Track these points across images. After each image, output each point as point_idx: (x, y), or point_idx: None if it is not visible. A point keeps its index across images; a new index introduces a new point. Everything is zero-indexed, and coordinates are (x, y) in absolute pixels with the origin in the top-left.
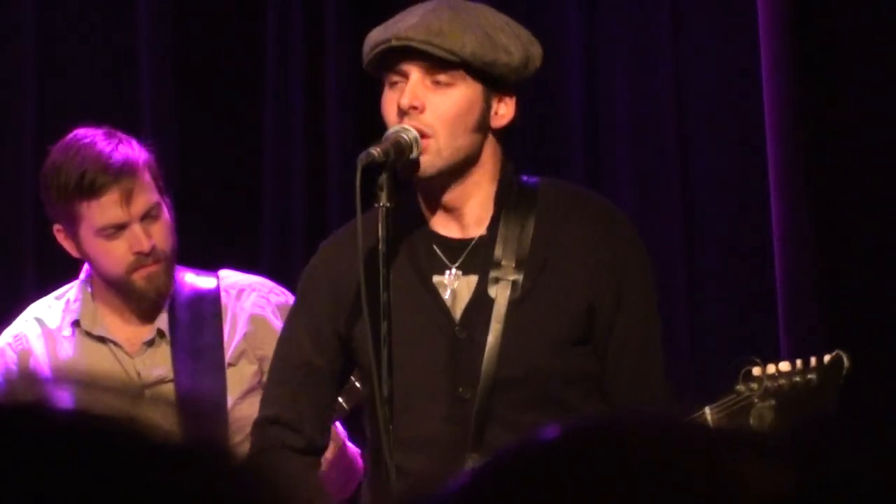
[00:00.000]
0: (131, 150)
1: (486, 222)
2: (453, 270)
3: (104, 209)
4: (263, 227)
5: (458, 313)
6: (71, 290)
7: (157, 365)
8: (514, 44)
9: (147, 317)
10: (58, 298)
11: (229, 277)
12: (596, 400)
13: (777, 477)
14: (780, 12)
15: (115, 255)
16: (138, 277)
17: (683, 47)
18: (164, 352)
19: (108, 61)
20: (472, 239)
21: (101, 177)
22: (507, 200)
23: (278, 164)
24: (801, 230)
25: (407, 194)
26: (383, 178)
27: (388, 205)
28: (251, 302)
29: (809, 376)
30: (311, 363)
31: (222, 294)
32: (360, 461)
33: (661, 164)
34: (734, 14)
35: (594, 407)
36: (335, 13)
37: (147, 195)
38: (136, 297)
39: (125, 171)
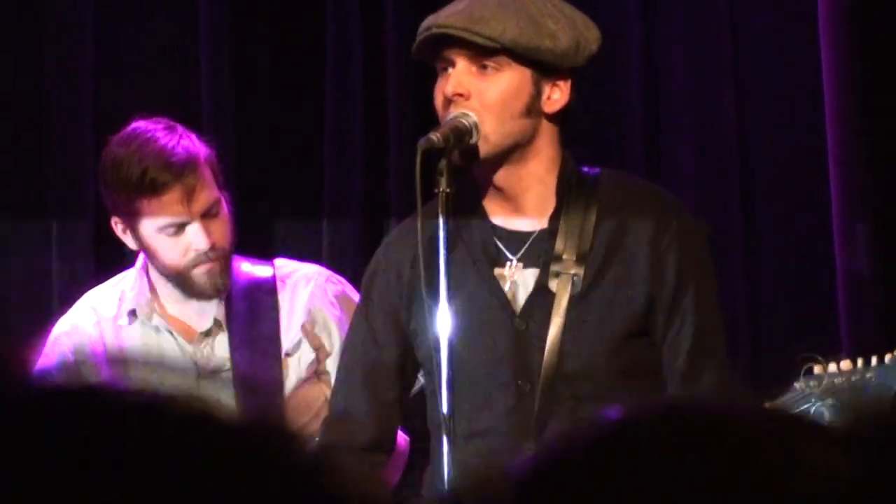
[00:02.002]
0: (192, 145)
1: (547, 214)
2: (514, 262)
3: (165, 207)
4: (322, 216)
5: (518, 306)
6: (126, 279)
7: (215, 355)
8: (562, 29)
9: (204, 306)
10: (114, 286)
11: (285, 266)
12: (656, 392)
13: (841, 461)
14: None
15: (176, 252)
16: (198, 274)
17: (742, 37)
18: (221, 342)
19: (166, 54)
20: (531, 232)
21: (163, 174)
22: (569, 192)
23: (338, 151)
24: (861, 226)
25: (466, 184)
26: (443, 164)
27: (448, 190)
28: (308, 291)
29: (868, 375)
30: (378, 359)
31: (278, 283)
32: (404, 447)
33: (720, 158)
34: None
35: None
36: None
37: (208, 192)
38: (195, 292)
39: (187, 169)
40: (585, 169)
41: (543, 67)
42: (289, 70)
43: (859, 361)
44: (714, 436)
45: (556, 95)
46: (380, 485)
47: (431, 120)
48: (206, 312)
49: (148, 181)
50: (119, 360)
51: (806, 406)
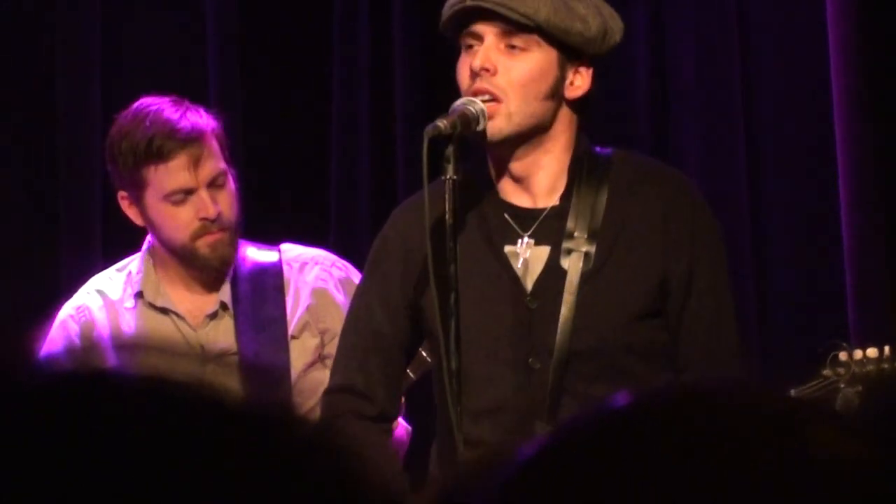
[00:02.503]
0: (199, 118)
1: (559, 192)
2: (525, 239)
3: (172, 174)
4: (330, 200)
5: (529, 283)
6: (133, 262)
7: (221, 338)
8: (592, 15)
9: (210, 288)
10: (119, 270)
11: (291, 251)
12: (667, 373)
13: (850, 443)
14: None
15: (181, 221)
16: (202, 245)
17: (750, 31)
18: (227, 325)
19: (174, 36)
20: (543, 209)
21: (169, 142)
22: (581, 171)
23: (345, 136)
24: (870, 214)
25: (478, 163)
26: (450, 151)
27: (455, 177)
28: (314, 275)
29: None
30: (381, 332)
31: (285, 267)
32: (405, 435)
33: (727, 143)
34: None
35: (665, 380)
36: None
37: (214, 162)
38: (200, 265)
39: (193, 137)
40: (598, 149)
41: (570, 52)
42: (295, 61)
43: (886, 349)
44: (723, 423)
45: (579, 82)
46: (385, 453)
47: (438, 106)
48: (213, 295)
49: (154, 148)
50: (126, 344)
51: (834, 392)
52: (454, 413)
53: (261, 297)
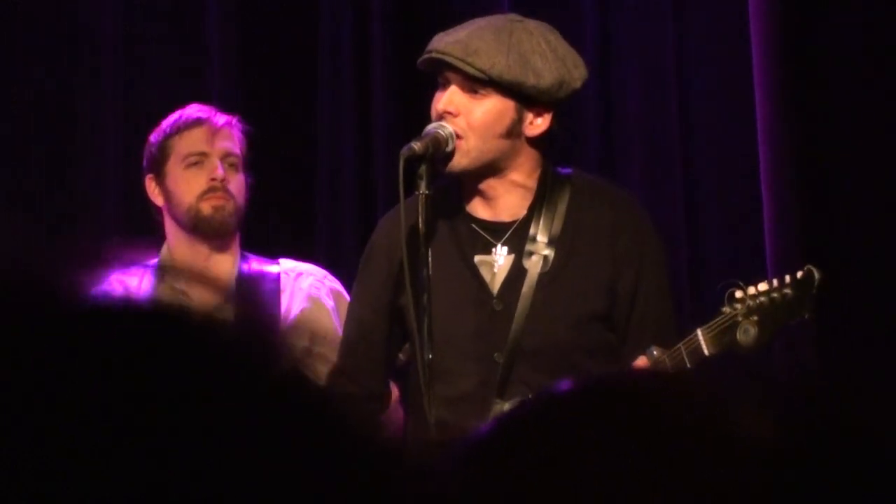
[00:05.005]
0: (230, 117)
1: (524, 207)
2: (498, 247)
3: (192, 138)
4: (317, 216)
5: (496, 288)
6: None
7: None
8: (548, 68)
9: (218, 269)
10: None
11: (289, 263)
12: (611, 368)
13: (762, 423)
14: (771, 36)
15: (192, 183)
16: (206, 205)
17: (685, 61)
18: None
19: (182, 56)
20: (511, 221)
21: (195, 115)
22: (544, 188)
23: (331, 158)
24: (790, 238)
25: (450, 181)
26: (423, 169)
27: (427, 192)
28: (308, 283)
29: (786, 291)
30: (368, 320)
31: (282, 276)
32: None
33: (665, 152)
34: (730, 34)
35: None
36: (381, 14)
37: (231, 144)
38: (203, 227)
39: (218, 119)
40: (559, 168)
41: (526, 99)
42: (287, 92)
43: (774, 281)
44: (655, 406)
45: (539, 122)
46: (373, 423)
47: (414, 130)
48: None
49: (182, 121)
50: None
51: (734, 326)
52: (426, 398)
53: (259, 297)
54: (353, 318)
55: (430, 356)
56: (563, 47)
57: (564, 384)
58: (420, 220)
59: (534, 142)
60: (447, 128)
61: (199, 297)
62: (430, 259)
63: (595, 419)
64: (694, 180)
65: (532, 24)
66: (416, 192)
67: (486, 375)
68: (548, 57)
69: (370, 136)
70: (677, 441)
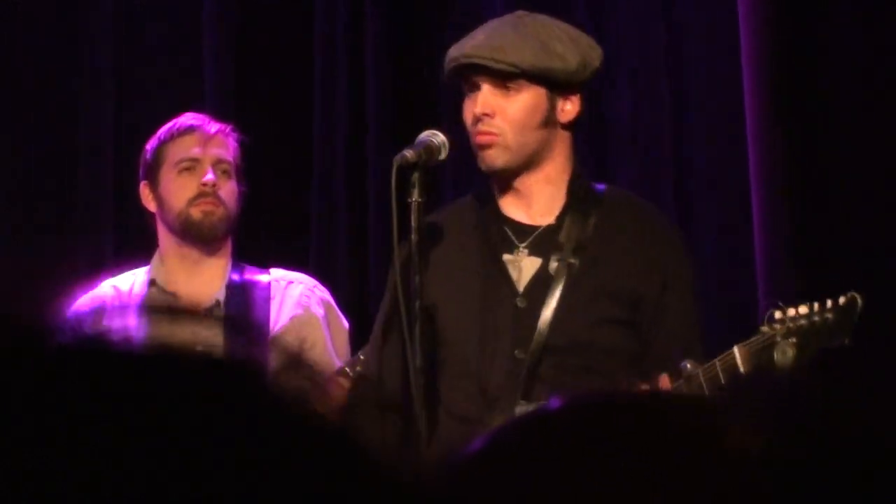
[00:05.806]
0: (223, 125)
1: (555, 213)
2: (521, 249)
3: (184, 144)
4: (310, 224)
5: (521, 286)
6: (144, 267)
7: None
8: (569, 51)
9: (209, 287)
10: (132, 273)
11: (280, 272)
12: (632, 373)
13: (750, 436)
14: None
15: (184, 188)
16: (196, 211)
17: (679, 65)
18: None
19: (176, 58)
20: (539, 225)
21: (188, 123)
22: (577, 196)
23: (324, 167)
24: (781, 244)
25: (482, 180)
26: (415, 177)
27: (420, 199)
28: (298, 292)
29: (827, 315)
30: (394, 327)
31: (273, 283)
32: None
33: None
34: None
35: (630, 378)
36: (376, 18)
37: (224, 151)
38: (194, 233)
39: (211, 127)
40: (594, 184)
41: (556, 85)
42: (281, 98)
43: (815, 305)
44: (649, 424)
45: (569, 107)
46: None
47: (408, 138)
48: (211, 288)
49: (176, 129)
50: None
51: (772, 346)
52: (418, 405)
53: (250, 303)
54: (380, 323)
55: (421, 362)
56: (574, 31)
57: (553, 403)
58: (413, 227)
59: (567, 128)
60: (439, 136)
61: (188, 302)
62: (420, 266)
63: (587, 433)
64: (685, 181)
65: (539, 16)
66: (409, 200)
67: (509, 371)
68: (564, 41)
69: (363, 144)
70: (670, 452)
